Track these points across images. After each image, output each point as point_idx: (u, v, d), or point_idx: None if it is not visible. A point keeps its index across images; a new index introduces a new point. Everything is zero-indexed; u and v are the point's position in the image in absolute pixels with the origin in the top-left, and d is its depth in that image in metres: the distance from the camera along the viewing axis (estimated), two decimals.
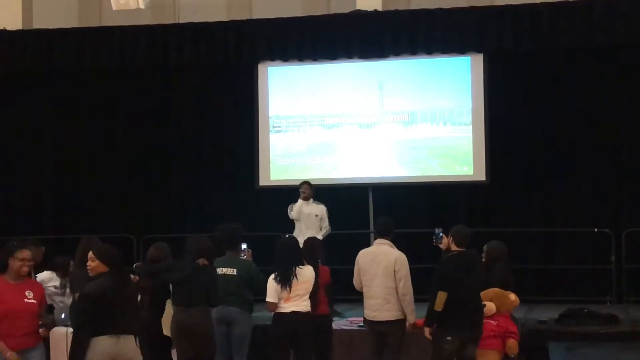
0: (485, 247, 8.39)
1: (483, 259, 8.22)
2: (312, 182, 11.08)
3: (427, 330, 7.60)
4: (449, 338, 7.34)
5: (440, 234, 8.04)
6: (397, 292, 7.81)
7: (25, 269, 6.38)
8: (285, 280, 7.48)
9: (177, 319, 7.48)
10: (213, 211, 12.76)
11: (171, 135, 13.44)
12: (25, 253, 6.37)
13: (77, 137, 13.64)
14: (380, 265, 7.86)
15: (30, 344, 6.33)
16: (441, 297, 7.34)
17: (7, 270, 6.32)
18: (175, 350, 7.68)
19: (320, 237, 10.04)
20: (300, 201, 10.89)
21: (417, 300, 7.98)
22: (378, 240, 8.11)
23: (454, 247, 7.64)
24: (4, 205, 13.63)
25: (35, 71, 13.50)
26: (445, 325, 7.41)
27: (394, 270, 7.80)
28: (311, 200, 10.96)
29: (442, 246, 8.01)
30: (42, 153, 13.68)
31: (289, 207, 10.94)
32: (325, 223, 10.86)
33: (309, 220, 10.80)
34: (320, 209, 10.95)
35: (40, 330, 6.38)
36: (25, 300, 6.30)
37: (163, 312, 7.75)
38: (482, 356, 7.68)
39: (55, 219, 13.59)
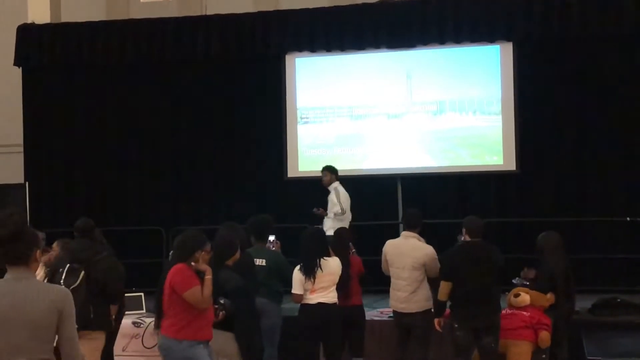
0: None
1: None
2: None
3: (436, 322, 7.67)
4: (456, 326, 7.44)
5: None
6: (425, 283, 7.81)
7: None
8: (309, 272, 7.44)
9: None
10: (242, 203, 12.72)
11: (199, 127, 13.42)
12: None
13: (107, 129, 13.68)
14: (408, 260, 7.84)
15: None
16: (444, 286, 7.46)
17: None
18: None
19: None
20: None
21: None
22: (405, 233, 8.08)
23: (466, 238, 7.65)
24: (36, 197, 13.64)
25: (64, 65, 13.56)
26: (455, 315, 7.50)
27: (423, 265, 7.80)
28: None
29: None
30: (71, 145, 13.70)
31: None
32: None
33: None
34: None
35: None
36: None
37: None
38: (514, 346, 7.67)
39: (86, 212, 13.58)
